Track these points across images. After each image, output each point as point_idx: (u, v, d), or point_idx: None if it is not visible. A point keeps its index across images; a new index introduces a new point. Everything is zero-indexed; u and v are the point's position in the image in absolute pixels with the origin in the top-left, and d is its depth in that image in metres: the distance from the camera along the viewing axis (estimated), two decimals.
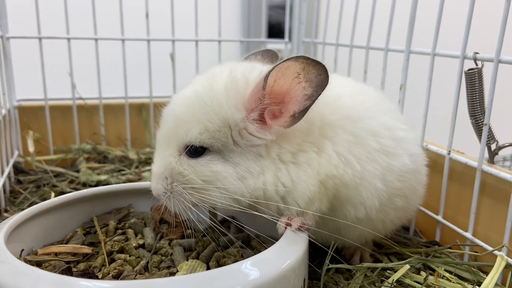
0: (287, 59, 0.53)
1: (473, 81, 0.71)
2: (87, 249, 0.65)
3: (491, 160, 0.75)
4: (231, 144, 0.58)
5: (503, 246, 0.65)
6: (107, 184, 1.00)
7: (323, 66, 0.53)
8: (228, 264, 0.61)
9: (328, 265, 0.62)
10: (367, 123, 0.63)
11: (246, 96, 0.57)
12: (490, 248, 0.69)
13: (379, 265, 0.67)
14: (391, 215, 0.67)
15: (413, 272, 0.67)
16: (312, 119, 0.59)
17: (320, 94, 0.55)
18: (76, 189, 0.96)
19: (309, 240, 0.59)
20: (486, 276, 0.63)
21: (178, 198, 0.60)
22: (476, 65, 0.71)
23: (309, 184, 0.58)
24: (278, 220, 0.60)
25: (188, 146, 0.58)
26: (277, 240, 0.58)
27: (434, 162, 0.84)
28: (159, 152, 0.62)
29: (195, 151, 0.59)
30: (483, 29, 0.92)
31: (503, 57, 0.65)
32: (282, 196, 0.59)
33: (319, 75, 0.54)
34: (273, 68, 0.54)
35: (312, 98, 0.55)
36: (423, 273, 0.67)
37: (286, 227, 0.59)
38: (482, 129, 0.70)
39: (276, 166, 0.58)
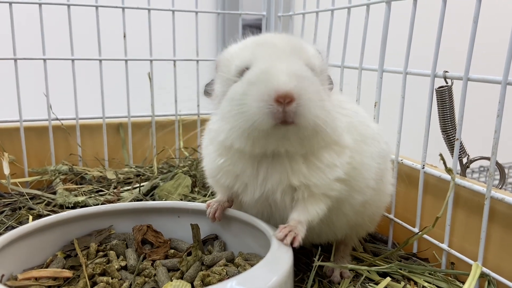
0: None
1: (444, 98, 0.75)
2: (68, 273, 0.64)
3: (463, 173, 0.78)
4: None
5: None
6: (85, 205, 0.99)
7: None
8: (213, 283, 0.62)
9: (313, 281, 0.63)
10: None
11: None
12: (465, 259, 0.71)
13: (360, 268, 0.69)
14: (375, 199, 0.74)
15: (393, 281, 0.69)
16: None
17: None
18: (54, 212, 0.95)
19: (294, 253, 0.61)
20: (463, 285, 0.66)
21: None
22: (446, 83, 0.75)
23: None
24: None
25: None
26: (260, 256, 0.59)
27: (409, 176, 0.86)
28: None
29: None
30: (453, 49, 0.97)
31: (471, 75, 0.69)
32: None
33: None
34: None
35: None
36: (402, 283, 0.69)
37: (278, 240, 0.61)
38: (453, 144, 0.73)
39: None
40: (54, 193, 1.06)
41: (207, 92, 0.72)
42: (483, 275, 0.68)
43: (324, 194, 0.63)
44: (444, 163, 0.68)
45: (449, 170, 0.68)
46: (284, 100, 0.53)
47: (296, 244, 0.60)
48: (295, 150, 0.60)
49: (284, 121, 0.55)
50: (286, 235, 0.61)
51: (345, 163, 0.63)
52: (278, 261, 0.57)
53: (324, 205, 0.64)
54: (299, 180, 0.62)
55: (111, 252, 0.70)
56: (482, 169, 1.75)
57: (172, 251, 0.73)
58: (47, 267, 0.66)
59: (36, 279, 0.61)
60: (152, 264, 0.69)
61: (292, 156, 0.62)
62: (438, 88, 0.76)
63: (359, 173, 0.66)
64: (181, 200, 1.03)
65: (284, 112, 0.54)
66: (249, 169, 0.64)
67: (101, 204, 0.99)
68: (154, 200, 1.05)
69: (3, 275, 0.58)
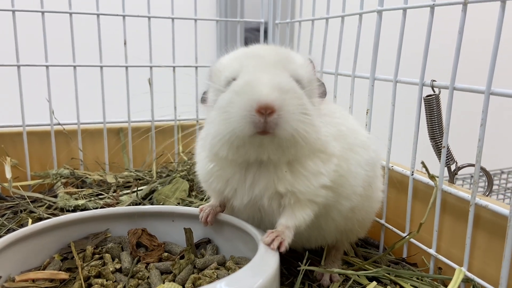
0: None
1: (432, 106, 0.77)
2: (64, 275, 0.66)
3: (451, 180, 0.80)
4: None
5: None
6: (85, 208, 1.01)
7: None
8: (203, 285, 0.64)
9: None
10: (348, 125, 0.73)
11: None
12: (452, 264, 0.73)
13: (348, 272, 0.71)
14: (364, 205, 0.75)
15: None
16: None
17: None
18: (54, 215, 0.97)
19: (286, 258, 0.63)
20: None
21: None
22: (434, 91, 0.76)
23: None
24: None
25: None
26: (250, 260, 0.61)
27: (400, 182, 0.88)
28: None
29: None
30: (447, 58, 0.98)
31: (457, 85, 0.71)
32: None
33: None
34: None
35: None
36: (389, 287, 0.71)
37: (265, 244, 0.63)
38: (441, 151, 0.75)
39: None
40: (55, 196, 1.09)
41: (204, 100, 0.74)
42: (468, 280, 0.70)
43: (310, 200, 0.65)
44: (427, 170, 0.70)
45: (432, 177, 0.70)
46: (265, 111, 0.56)
47: (282, 249, 0.62)
48: (277, 158, 0.63)
49: (265, 131, 0.57)
50: (273, 240, 0.63)
51: (331, 171, 0.65)
52: (265, 264, 0.59)
53: (310, 211, 0.66)
54: (285, 187, 0.64)
55: (107, 255, 0.72)
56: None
57: (166, 254, 0.75)
58: (44, 269, 0.68)
59: (33, 280, 0.64)
60: (146, 267, 0.71)
61: (277, 163, 0.64)
62: (426, 96, 0.77)
63: (346, 180, 0.68)
64: (178, 204, 1.05)
65: (265, 123, 0.57)
66: (237, 174, 0.67)
67: (100, 207, 1.02)
68: (152, 203, 1.07)
69: (0, 277, 0.60)
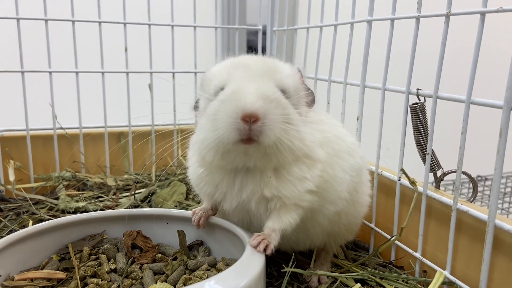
0: None
1: (417, 114, 0.79)
2: (61, 274, 0.70)
3: (437, 186, 0.82)
4: None
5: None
6: (85, 210, 1.05)
7: None
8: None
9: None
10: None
11: None
12: (436, 267, 0.75)
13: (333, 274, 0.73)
14: (350, 209, 0.78)
15: None
16: None
17: None
18: (55, 216, 1.01)
19: (276, 259, 0.65)
20: None
21: None
22: (419, 100, 0.79)
23: None
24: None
25: None
26: None
27: (388, 187, 0.91)
28: None
29: None
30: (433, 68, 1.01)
31: (440, 94, 0.73)
32: None
33: None
34: None
35: None
36: None
37: (252, 246, 0.66)
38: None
39: None
40: (57, 198, 1.13)
41: (196, 107, 0.77)
42: (451, 283, 0.72)
43: (295, 204, 0.68)
44: (407, 176, 0.72)
45: (412, 182, 0.72)
46: (250, 119, 0.59)
47: (268, 252, 0.65)
48: (263, 165, 0.66)
49: (249, 138, 0.60)
50: (259, 243, 0.65)
51: (316, 176, 0.68)
52: (250, 265, 0.62)
53: (296, 214, 0.69)
54: (270, 192, 0.67)
55: (103, 255, 0.76)
56: (461, 181, 1.77)
57: (159, 255, 0.78)
58: (42, 268, 0.71)
59: (32, 279, 0.67)
60: (140, 268, 0.74)
61: (263, 169, 0.67)
62: (412, 104, 0.80)
63: (330, 186, 0.70)
64: (176, 206, 1.09)
65: (250, 130, 0.60)
66: (226, 179, 0.70)
67: (100, 209, 1.05)
68: (150, 206, 1.10)
69: (0, 276, 0.64)
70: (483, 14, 0.65)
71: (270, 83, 0.65)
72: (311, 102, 0.75)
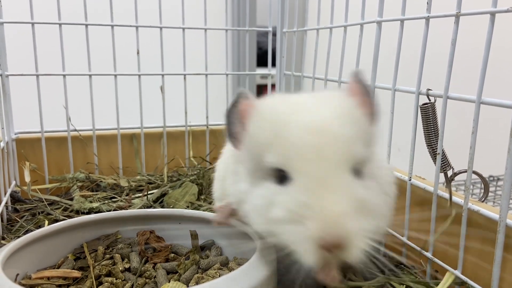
0: None
1: (427, 114, 0.79)
2: (77, 273, 0.71)
3: (448, 185, 0.82)
4: None
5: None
6: (99, 211, 1.07)
7: None
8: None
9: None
10: None
11: None
12: (447, 267, 0.75)
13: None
14: None
15: None
16: None
17: None
18: (70, 217, 1.03)
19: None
20: None
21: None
22: (429, 100, 0.79)
23: None
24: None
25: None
26: None
27: (399, 187, 0.90)
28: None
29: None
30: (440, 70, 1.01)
31: (450, 94, 0.73)
32: None
33: None
34: None
35: None
36: None
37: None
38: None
39: None
40: (71, 199, 1.15)
41: (232, 137, 0.62)
42: (462, 283, 0.72)
43: None
44: (450, 194, 0.72)
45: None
46: (332, 248, 0.47)
47: None
48: None
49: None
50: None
51: None
52: (262, 264, 0.63)
53: None
54: None
55: (117, 255, 0.77)
56: (473, 181, 1.76)
57: (172, 255, 0.79)
58: (58, 267, 0.73)
59: (48, 278, 0.69)
60: (153, 267, 0.76)
61: None
62: (422, 105, 0.80)
63: None
64: (188, 207, 1.10)
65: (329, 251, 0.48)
66: None
67: (113, 210, 1.07)
68: (163, 206, 1.12)
69: (18, 274, 0.66)
70: (493, 14, 0.65)
71: (350, 177, 0.51)
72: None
